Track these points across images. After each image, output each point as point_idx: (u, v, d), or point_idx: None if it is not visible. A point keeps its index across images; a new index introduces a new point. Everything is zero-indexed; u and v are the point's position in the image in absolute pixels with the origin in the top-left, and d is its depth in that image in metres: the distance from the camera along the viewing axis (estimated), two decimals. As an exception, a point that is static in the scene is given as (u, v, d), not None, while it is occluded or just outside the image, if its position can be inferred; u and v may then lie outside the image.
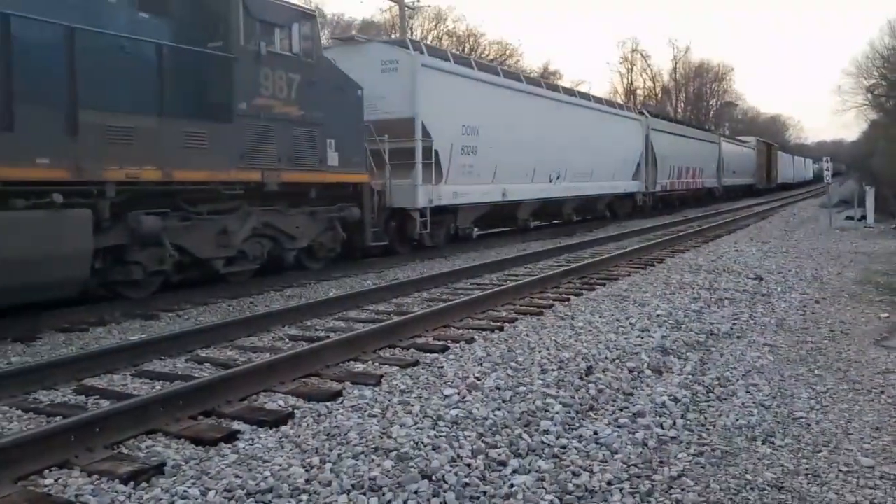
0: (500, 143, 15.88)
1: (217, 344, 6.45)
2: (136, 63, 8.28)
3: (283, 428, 4.33)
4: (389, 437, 4.15)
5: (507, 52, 51.00)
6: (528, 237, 18.47)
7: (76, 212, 7.43)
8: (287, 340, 6.68)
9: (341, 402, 4.77)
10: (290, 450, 4.00)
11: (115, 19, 8.26)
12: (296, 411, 4.59)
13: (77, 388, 5.13)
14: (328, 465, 3.76)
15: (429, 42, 31.74)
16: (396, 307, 8.37)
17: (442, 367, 5.58)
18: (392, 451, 3.93)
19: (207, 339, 6.46)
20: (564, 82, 33.59)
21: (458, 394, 4.92)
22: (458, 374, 5.37)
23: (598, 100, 23.18)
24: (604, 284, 9.57)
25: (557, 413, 4.60)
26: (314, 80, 10.52)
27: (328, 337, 6.42)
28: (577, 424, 4.50)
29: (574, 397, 4.90)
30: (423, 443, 4.05)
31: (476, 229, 17.67)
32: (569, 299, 8.45)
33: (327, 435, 4.19)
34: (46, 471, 3.65)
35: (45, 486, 3.53)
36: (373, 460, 3.82)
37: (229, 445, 4.04)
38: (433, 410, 4.56)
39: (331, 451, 3.95)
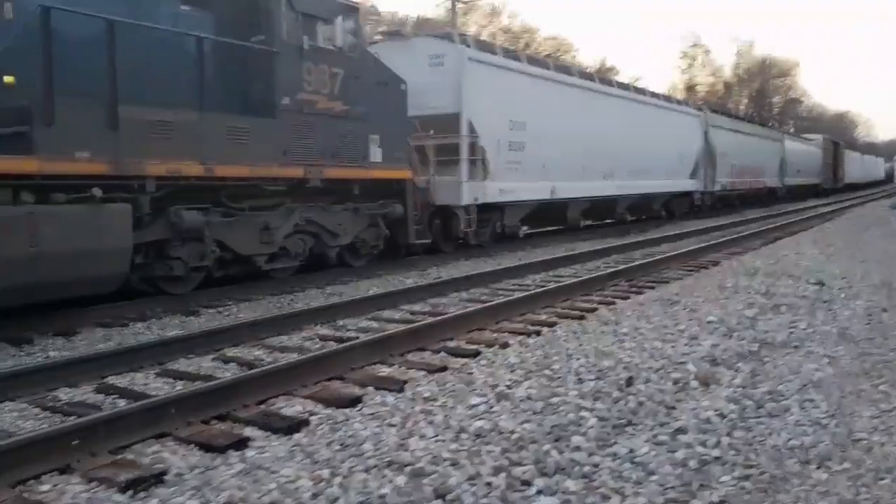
0: (550, 139, 15.52)
1: (246, 343, 6.31)
2: (177, 57, 8.22)
3: (296, 435, 4.13)
4: (406, 449, 3.92)
5: (563, 48, 50.30)
6: (579, 236, 18.05)
7: (116, 206, 7.40)
8: (317, 340, 6.51)
9: (360, 409, 4.55)
10: (301, 460, 3.80)
11: (157, 12, 8.22)
12: (312, 418, 4.39)
13: (98, 387, 5.03)
14: (337, 480, 3.54)
15: (484, 39, 31.37)
16: (433, 308, 8.13)
17: (471, 373, 5.32)
18: (407, 465, 3.69)
19: (236, 337, 6.32)
20: (621, 79, 32.79)
21: (486, 403, 4.66)
22: (487, 382, 5.10)
23: (654, 94, 22.53)
24: (653, 287, 9.17)
25: (591, 427, 4.30)
26: (358, 74, 10.36)
27: (357, 338, 6.23)
28: (613, 440, 4.19)
29: (611, 410, 4.58)
30: (441, 457, 3.80)
31: (526, 228, 17.35)
32: (614, 303, 8.09)
33: (341, 445, 3.98)
34: (46, 475, 3.52)
35: (42, 492, 3.39)
36: (385, 475, 3.59)
37: (238, 453, 3.86)
38: (456, 421, 4.31)
39: (342, 463, 3.74)
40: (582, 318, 7.25)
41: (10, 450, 3.41)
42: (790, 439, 4.24)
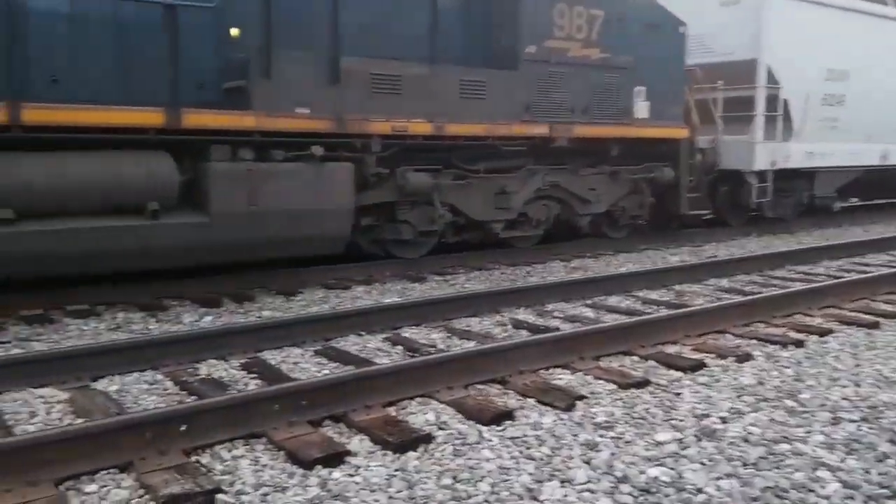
0: (882, 92, 12.61)
1: (430, 323, 5.54)
2: (407, 4, 7.65)
3: (407, 455, 3.24)
4: (535, 498, 2.87)
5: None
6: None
7: (337, 165, 7.09)
8: (509, 327, 5.53)
9: (504, 430, 3.53)
10: (394, 492, 2.92)
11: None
12: (439, 433, 3.47)
13: (246, 363, 4.57)
14: (419, 532, 2.62)
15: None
16: (676, 296, 6.70)
17: (679, 394, 4.01)
18: (521, 525, 2.66)
19: (419, 315, 5.59)
20: None
21: (678, 441, 3.38)
22: (694, 409, 3.77)
23: None
24: None
25: (827, 498, 2.87)
26: (622, 16, 9.01)
27: (556, 329, 5.18)
28: (853, 526, 2.74)
29: (869, 472, 3.07)
30: (575, 520, 2.70)
31: (856, 200, 14.50)
32: (930, 306, 6.01)
33: (453, 478, 3.03)
34: (101, 473, 3.01)
35: (86, 493, 2.87)
36: (483, 537, 2.59)
37: (325, 472, 3.07)
38: (625, 464, 3.13)
39: (440, 505, 2.81)
40: (874, 325, 5.39)
41: (59, 440, 2.96)
42: None
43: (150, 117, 6.10)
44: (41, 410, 3.76)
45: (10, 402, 3.85)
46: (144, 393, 4.08)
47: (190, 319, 5.93)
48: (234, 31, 6.68)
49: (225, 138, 6.47)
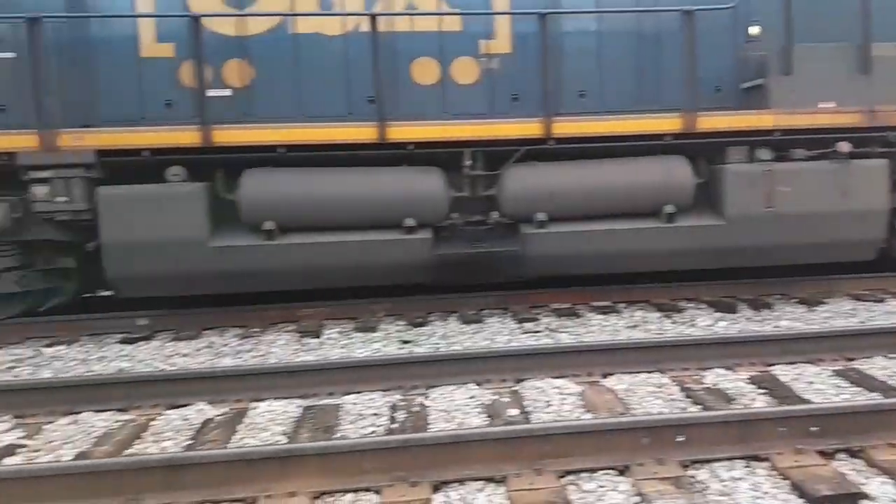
0: None
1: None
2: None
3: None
4: None
5: None
6: None
7: (867, 163, 6.44)
8: None
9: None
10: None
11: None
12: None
13: (754, 376, 4.38)
14: None
15: None
16: None
17: None
18: None
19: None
20: None
21: None
22: None
23: None
24: None
25: None
26: None
27: None
28: None
29: None
30: None
31: None
32: None
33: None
34: (600, 472, 3.18)
35: (584, 490, 3.06)
36: None
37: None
38: None
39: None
40: None
41: (563, 434, 3.23)
42: None
43: (666, 124, 6.28)
44: (555, 401, 4.15)
45: (530, 390, 4.34)
46: (649, 395, 4.22)
47: (704, 323, 5.98)
48: (753, 30, 6.50)
49: (742, 139, 6.35)
